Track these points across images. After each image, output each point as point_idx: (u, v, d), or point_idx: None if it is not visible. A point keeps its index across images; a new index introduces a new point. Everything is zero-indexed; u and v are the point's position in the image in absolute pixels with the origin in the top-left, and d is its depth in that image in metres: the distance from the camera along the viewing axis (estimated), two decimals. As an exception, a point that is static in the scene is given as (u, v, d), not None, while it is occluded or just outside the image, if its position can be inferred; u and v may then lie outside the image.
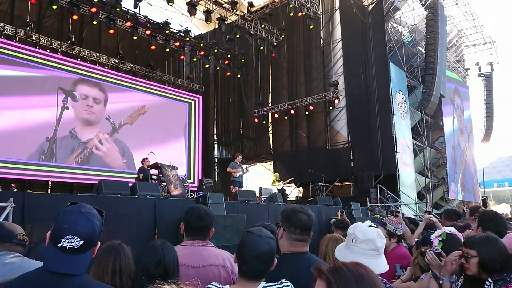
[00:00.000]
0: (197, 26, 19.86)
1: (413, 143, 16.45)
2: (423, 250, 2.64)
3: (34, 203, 5.26)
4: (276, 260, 1.91)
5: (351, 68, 16.23)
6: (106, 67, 16.48)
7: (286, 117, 17.92)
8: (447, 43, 19.66)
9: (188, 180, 13.47)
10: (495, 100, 26.02)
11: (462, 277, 2.38)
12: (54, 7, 13.19)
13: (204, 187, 12.15)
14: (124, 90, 16.36)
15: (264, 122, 18.91)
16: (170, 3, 13.77)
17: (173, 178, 9.75)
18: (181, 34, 17.07)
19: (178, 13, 16.07)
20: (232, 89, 21.01)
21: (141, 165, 10.58)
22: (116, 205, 6.16)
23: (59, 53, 14.93)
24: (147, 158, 10.56)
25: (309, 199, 13.65)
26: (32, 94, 13.60)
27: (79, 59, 15.46)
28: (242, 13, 16.43)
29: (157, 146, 14.74)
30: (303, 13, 15.73)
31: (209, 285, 1.82)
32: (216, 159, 21.43)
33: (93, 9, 14.06)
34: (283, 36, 17.68)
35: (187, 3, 14.17)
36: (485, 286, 2.13)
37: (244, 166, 11.98)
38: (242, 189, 11.33)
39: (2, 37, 13.50)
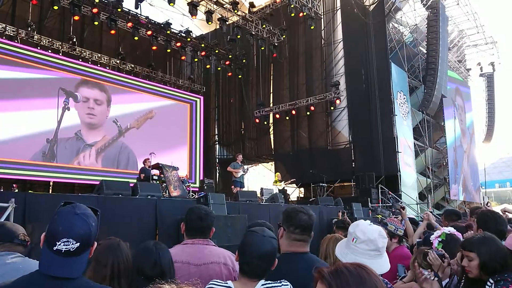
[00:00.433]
0: (198, 26, 19.87)
1: (414, 143, 16.44)
2: (426, 250, 2.63)
3: (35, 203, 5.27)
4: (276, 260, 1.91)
5: (352, 68, 16.22)
6: (107, 68, 16.48)
7: (287, 118, 17.91)
8: (449, 43, 19.63)
9: (189, 181, 13.46)
10: (496, 100, 25.99)
11: (463, 277, 2.37)
12: (56, 7, 13.23)
13: (205, 187, 12.15)
14: (125, 91, 16.36)
15: (265, 123, 18.91)
16: (171, 4, 13.79)
17: (173, 179, 9.74)
18: (182, 34, 17.08)
19: (179, 13, 16.11)
20: (233, 89, 21.02)
21: (143, 165, 10.60)
22: (117, 205, 6.17)
23: (60, 54, 14.94)
24: (148, 159, 10.58)
25: (310, 199, 13.64)
26: (33, 95, 13.58)
27: (80, 60, 15.46)
28: (243, 14, 16.45)
29: (158, 146, 14.73)
30: (304, 13, 15.73)
31: (211, 282, 1.82)
32: (217, 159, 21.43)
33: (95, 10, 14.10)
34: (284, 36, 17.69)
35: (188, 4, 14.19)
36: (487, 287, 2.12)
37: (245, 167, 11.98)
38: (243, 189, 11.34)
39: (4, 37, 13.52)
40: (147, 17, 15.79)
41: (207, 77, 21.65)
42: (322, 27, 17.52)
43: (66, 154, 14.18)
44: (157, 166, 10.17)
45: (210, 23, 15.13)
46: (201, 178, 16.96)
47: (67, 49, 15.31)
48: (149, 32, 15.94)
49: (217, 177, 20.75)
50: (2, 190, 9.54)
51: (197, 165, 18.40)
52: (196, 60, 19.31)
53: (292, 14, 15.57)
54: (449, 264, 2.43)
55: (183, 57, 18.56)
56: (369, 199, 13.03)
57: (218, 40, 18.80)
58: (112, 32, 15.04)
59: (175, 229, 6.17)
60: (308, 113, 17.16)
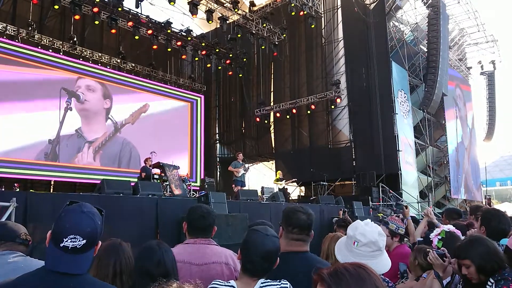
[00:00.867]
0: (199, 25, 19.86)
1: (415, 142, 16.43)
2: (427, 250, 2.63)
3: (36, 202, 5.28)
4: None
5: (353, 67, 16.21)
6: (108, 67, 16.49)
7: (287, 116, 17.91)
8: (449, 42, 19.61)
9: (190, 180, 13.47)
10: (497, 99, 25.96)
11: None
12: (56, 7, 13.23)
13: (206, 186, 12.18)
14: (126, 90, 16.36)
15: (266, 121, 18.91)
16: (172, 3, 13.78)
17: (173, 179, 9.76)
18: (183, 33, 17.08)
19: (179, 12, 16.11)
20: (233, 88, 21.01)
21: (144, 164, 10.61)
22: (118, 204, 6.18)
23: (61, 53, 14.95)
24: (149, 158, 10.59)
25: (311, 198, 13.66)
26: (35, 96, 13.56)
27: (81, 59, 15.47)
28: (244, 13, 16.44)
29: (159, 145, 14.73)
30: (305, 12, 15.71)
31: (213, 282, 1.82)
32: (218, 158, 21.44)
33: (95, 9, 14.10)
34: (284, 35, 17.67)
35: (189, 3, 14.17)
36: (487, 287, 2.12)
37: (246, 165, 11.99)
38: (244, 188, 11.34)
39: (5, 37, 13.53)
40: (147, 16, 15.79)
41: (208, 76, 21.66)
42: (323, 26, 17.50)
43: (67, 153, 14.17)
44: (158, 165, 10.18)
45: (210, 22, 15.11)
46: (202, 177, 17.00)
47: (68, 48, 15.31)
48: (150, 31, 15.94)
49: (218, 176, 20.76)
50: (3, 190, 9.56)
51: (198, 164, 18.41)
52: (196, 59, 19.32)
53: (293, 13, 15.56)
54: (449, 263, 2.43)
55: (183, 56, 18.55)
56: (370, 197, 13.04)
57: (218, 39, 18.79)
58: (113, 31, 15.04)
59: (176, 228, 6.18)
60: (308, 112, 17.15)
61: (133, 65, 17.45)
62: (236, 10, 15.51)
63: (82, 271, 1.46)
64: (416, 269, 2.93)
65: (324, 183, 14.76)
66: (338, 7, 16.95)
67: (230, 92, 21.27)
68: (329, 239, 2.94)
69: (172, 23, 16.33)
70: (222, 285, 1.81)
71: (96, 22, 14.69)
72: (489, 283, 2.12)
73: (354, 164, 15.97)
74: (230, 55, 18.97)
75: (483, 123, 26.81)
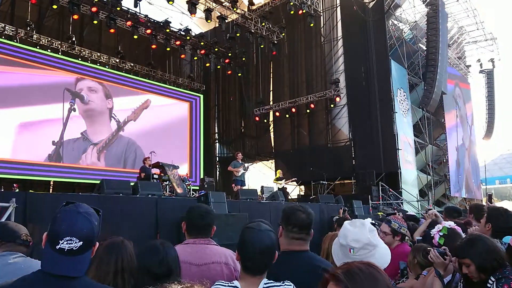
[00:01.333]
0: (198, 25, 19.85)
1: (414, 140, 16.43)
2: (427, 248, 2.63)
3: (36, 203, 5.27)
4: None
5: (352, 66, 16.20)
6: (107, 67, 16.47)
7: (287, 116, 17.90)
8: (448, 40, 19.60)
9: (189, 180, 13.46)
10: (496, 97, 25.99)
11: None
12: (55, 6, 13.19)
13: (205, 186, 12.15)
14: (126, 90, 16.34)
15: (265, 121, 18.90)
16: (170, 2, 13.76)
17: (174, 178, 9.76)
18: (182, 33, 17.07)
19: (178, 12, 16.09)
20: (233, 87, 20.99)
21: (143, 164, 10.59)
22: (118, 204, 6.17)
23: (59, 53, 14.92)
24: (148, 157, 10.56)
25: (311, 197, 13.65)
26: (38, 97, 13.54)
27: (79, 59, 15.45)
28: (243, 12, 16.43)
29: (158, 145, 14.71)
30: (304, 11, 15.71)
31: (216, 283, 1.80)
32: (217, 158, 21.43)
33: (94, 9, 14.08)
34: (283, 34, 17.66)
35: (187, 2, 14.15)
36: (488, 285, 2.12)
37: (246, 165, 11.98)
38: (244, 187, 11.34)
39: (3, 37, 13.51)
40: (146, 16, 15.77)
41: (207, 75, 21.63)
42: (322, 25, 17.49)
43: (72, 155, 14.12)
44: (157, 165, 10.17)
45: (209, 21, 15.10)
46: (202, 176, 16.98)
47: (66, 48, 15.29)
48: (148, 31, 15.92)
49: (218, 175, 20.75)
50: (2, 190, 9.55)
51: (197, 164, 18.40)
52: (195, 58, 19.29)
53: (292, 12, 15.56)
54: (450, 261, 2.43)
55: (182, 56, 18.52)
56: (369, 196, 13.03)
57: (217, 38, 18.77)
58: (111, 31, 15.01)
59: (176, 228, 6.16)
60: (308, 111, 17.16)
61: (132, 64, 17.43)
62: (235, 9, 15.49)
63: (79, 273, 1.43)
64: (415, 267, 2.93)
65: (324, 182, 14.76)
66: (337, 5, 16.94)
67: (229, 92, 21.25)
68: (330, 238, 2.94)
69: (170, 22, 16.31)
70: (225, 285, 1.79)
71: (95, 22, 14.66)
72: (490, 281, 2.12)
73: (353, 163, 15.97)
74: (229, 54, 18.96)
75: (482, 122, 26.89)
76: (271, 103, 19.00)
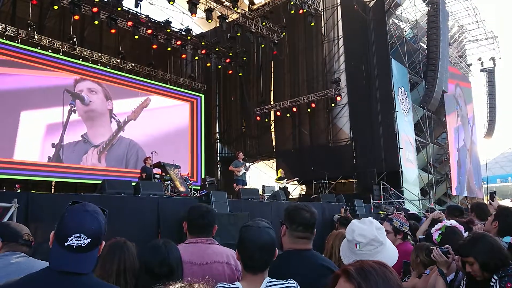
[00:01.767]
0: (198, 24, 19.86)
1: (415, 139, 16.41)
2: (430, 247, 2.63)
3: (38, 203, 5.28)
4: (279, 257, 1.90)
5: (353, 65, 16.19)
6: (108, 67, 16.47)
7: (288, 115, 17.89)
8: (449, 39, 19.58)
9: (191, 179, 13.47)
10: (497, 95, 25.95)
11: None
12: (56, 7, 13.20)
13: (207, 185, 12.16)
14: (127, 90, 16.34)
15: (266, 120, 18.89)
16: (171, 2, 13.77)
17: (177, 177, 9.78)
18: (182, 33, 17.07)
19: (179, 12, 16.12)
20: (234, 87, 20.99)
21: (144, 164, 10.59)
22: (120, 204, 6.19)
23: (60, 54, 14.93)
24: (149, 157, 10.58)
25: (312, 196, 13.65)
26: (38, 99, 13.51)
27: (80, 59, 15.45)
28: (243, 11, 16.43)
29: (159, 145, 14.72)
30: (304, 10, 15.70)
31: (218, 286, 1.79)
32: (218, 157, 21.43)
33: (94, 9, 14.09)
34: (284, 33, 17.64)
35: (188, 2, 14.15)
36: (491, 283, 2.12)
37: (247, 164, 11.99)
38: (245, 187, 11.34)
39: (4, 38, 13.51)
40: (147, 16, 15.78)
41: (208, 75, 21.63)
42: (322, 24, 17.47)
43: (72, 158, 14.08)
44: (158, 165, 10.18)
45: (210, 21, 15.10)
46: (203, 176, 16.99)
47: (67, 49, 15.30)
48: (149, 31, 15.92)
49: (219, 175, 20.76)
50: (4, 190, 9.56)
51: (199, 164, 18.40)
52: (196, 58, 19.29)
53: (292, 11, 15.55)
54: (453, 260, 2.42)
55: (183, 56, 18.52)
56: (371, 195, 13.03)
57: (218, 38, 18.77)
58: (112, 31, 15.02)
59: (177, 228, 6.16)
60: (309, 110, 17.15)
61: (133, 65, 17.43)
62: (235, 8, 15.48)
63: (87, 270, 1.45)
64: (418, 266, 2.93)
65: (325, 181, 14.74)
66: (338, 4, 16.92)
67: (230, 91, 21.24)
68: (333, 236, 2.92)
69: (171, 22, 16.32)
70: (226, 287, 1.78)
71: (96, 22, 14.67)
72: (493, 280, 2.12)
73: (355, 162, 15.95)
74: (230, 54, 18.95)
75: (483, 120, 26.84)
76: (272, 102, 18.99)
